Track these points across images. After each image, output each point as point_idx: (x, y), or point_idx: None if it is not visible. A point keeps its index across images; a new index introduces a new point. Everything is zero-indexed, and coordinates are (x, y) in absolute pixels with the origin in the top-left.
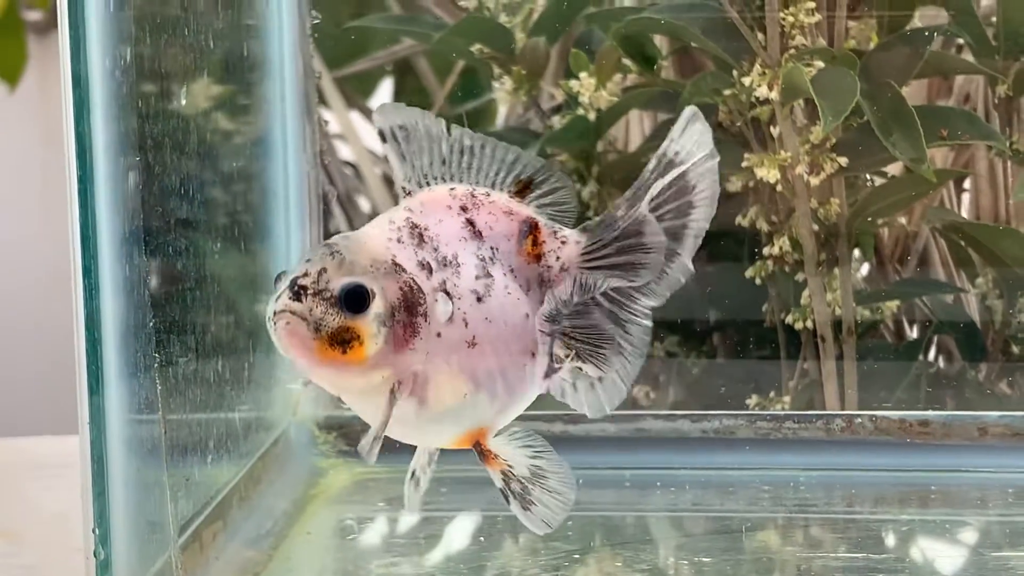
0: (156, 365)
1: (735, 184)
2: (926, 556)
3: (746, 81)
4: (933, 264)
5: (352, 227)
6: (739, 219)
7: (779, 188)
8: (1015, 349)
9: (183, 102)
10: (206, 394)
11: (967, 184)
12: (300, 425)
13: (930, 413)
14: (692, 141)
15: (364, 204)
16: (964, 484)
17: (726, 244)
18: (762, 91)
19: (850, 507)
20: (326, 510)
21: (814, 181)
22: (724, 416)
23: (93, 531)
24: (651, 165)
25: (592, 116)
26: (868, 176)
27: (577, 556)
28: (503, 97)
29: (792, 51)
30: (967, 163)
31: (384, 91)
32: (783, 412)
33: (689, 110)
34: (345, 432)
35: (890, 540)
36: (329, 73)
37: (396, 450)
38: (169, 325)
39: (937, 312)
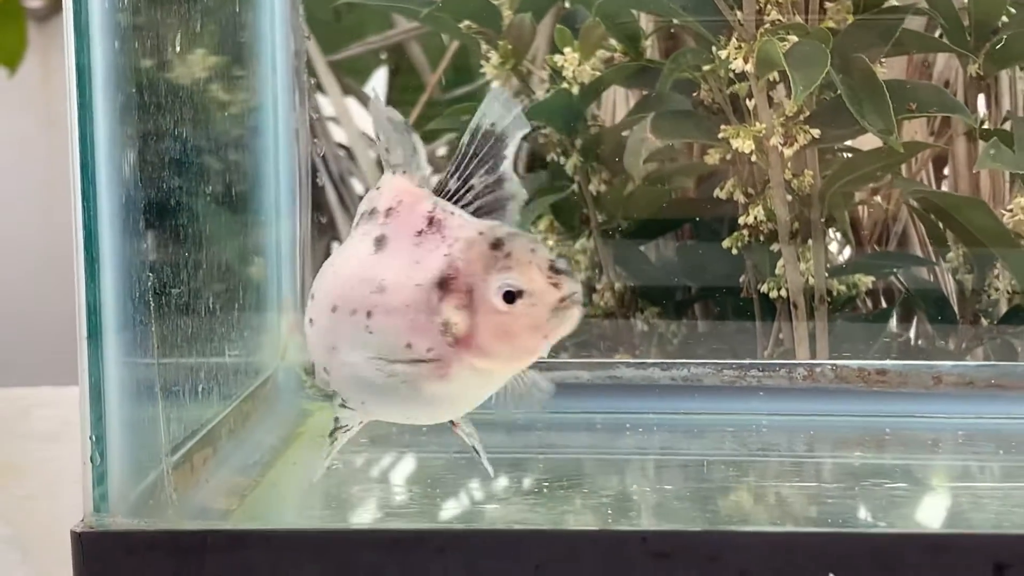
0: (152, 303)
1: (713, 157)
2: (875, 489)
3: (722, 55)
4: (912, 245)
5: (345, 207)
6: (717, 191)
7: (754, 159)
8: (984, 322)
9: (178, 72)
10: (198, 339)
11: (947, 171)
12: (288, 370)
13: (888, 363)
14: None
15: (357, 186)
16: (918, 429)
17: (706, 216)
18: (737, 64)
19: (810, 449)
20: (312, 445)
21: (788, 152)
22: (692, 364)
23: (91, 438)
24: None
25: (575, 90)
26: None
27: (546, 487)
28: (490, 71)
29: (768, 26)
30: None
31: (379, 77)
32: (748, 361)
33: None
34: None
35: (844, 476)
36: (323, 57)
37: None
38: (165, 278)
39: (912, 286)
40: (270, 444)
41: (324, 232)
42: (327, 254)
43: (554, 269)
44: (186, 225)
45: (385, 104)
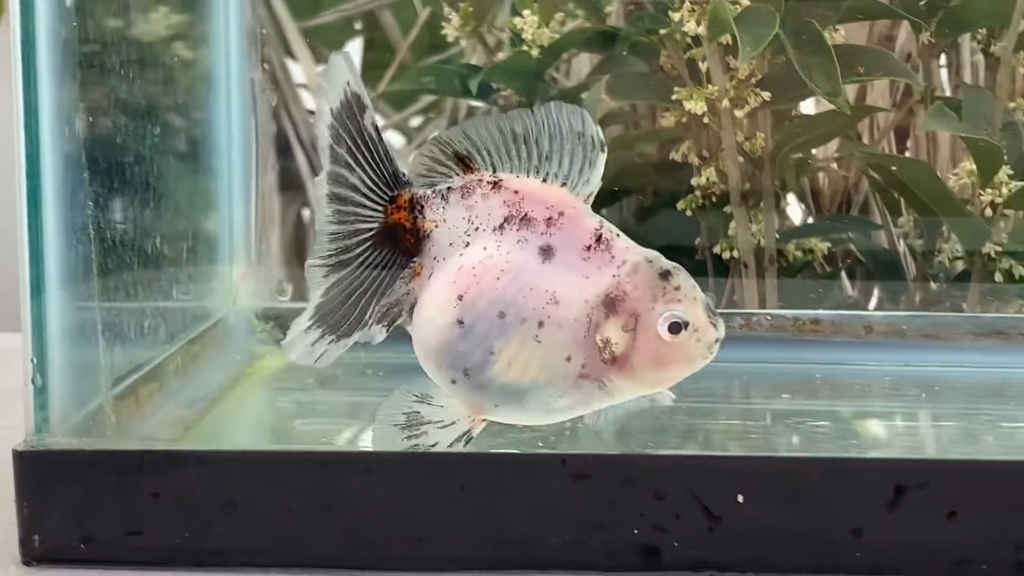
0: (94, 245)
1: (669, 120)
2: (797, 427)
3: (676, 17)
4: (874, 214)
5: (315, 173)
6: (673, 154)
7: (706, 120)
8: (934, 286)
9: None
10: (144, 282)
11: (908, 143)
12: (239, 314)
13: (821, 312)
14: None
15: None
16: (849, 375)
17: (665, 179)
18: (691, 26)
19: (744, 395)
20: (259, 385)
21: (739, 114)
22: None
23: (32, 360)
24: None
25: (535, 52)
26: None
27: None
28: (452, 33)
29: None
30: (908, 118)
31: (354, 45)
32: None
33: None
34: (282, 322)
35: (770, 416)
36: (295, 23)
37: None
38: (109, 222)
39: (864, 252)
40: (218, 383)
41: (294, 198)
42: (298, 220)
43: (710, 308)
44: (132, 171)
45: (359, 73)
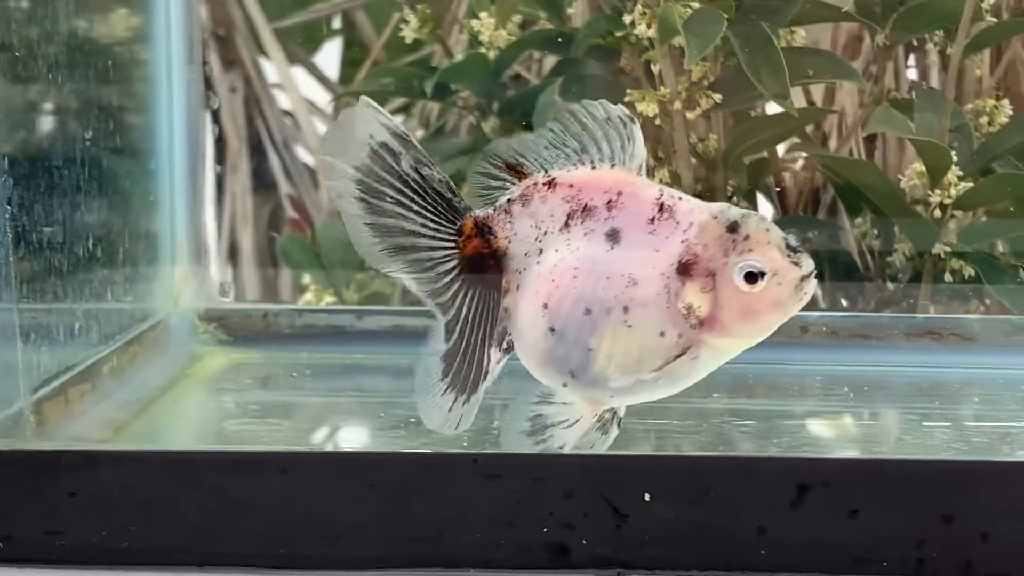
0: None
1: None
2: (722, 426)
3: (627, 20)
4: (841, 213)
5: (288, 174)
6: None
7: (658, 122)
8: (890, 286)
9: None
10: (74, 282)
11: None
12: (181, 315)
13: None
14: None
15: (302, 153)
16: (784, 375)
17: None
18: (641, 29)
19: (679, 396)
20: (197, 387)
21: (691, 116)
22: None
23: None
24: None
25: (492, 54)
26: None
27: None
28: (409, 35)
29: None
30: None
31: (330, 47)
32: None
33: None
34: (224, 323)
35: (696, 416)
36: (268, 24)
37: (274, 338)
38: (32, 222)
39: (823, 252)
40: (155, 384)
41: (268, 199)
42: (272, 219)
43: (789, 247)
44: (60, 174)
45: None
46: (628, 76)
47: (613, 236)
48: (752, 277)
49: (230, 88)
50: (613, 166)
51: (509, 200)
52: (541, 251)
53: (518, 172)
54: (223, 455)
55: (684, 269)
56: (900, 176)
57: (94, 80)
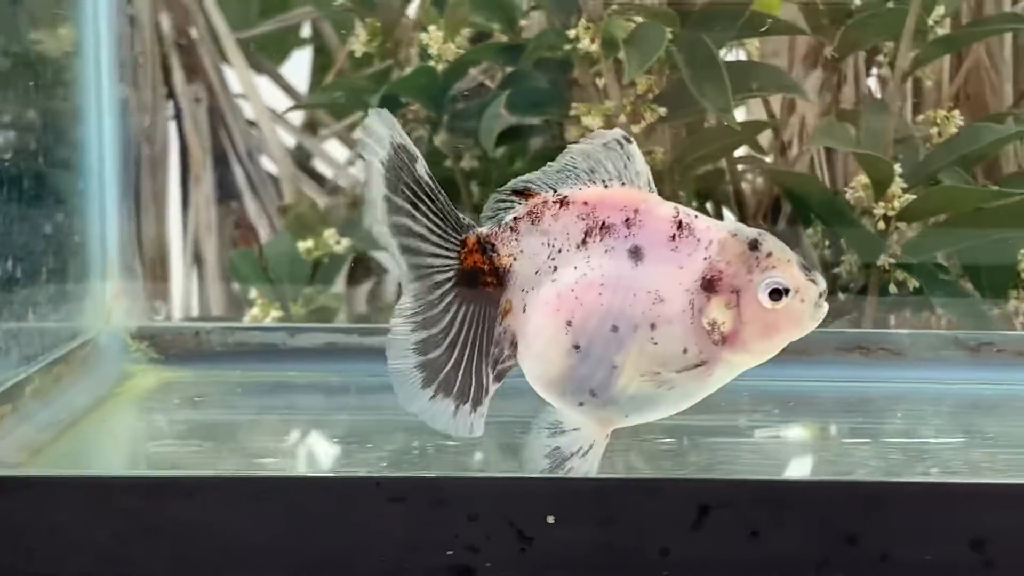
0: None
1: (573, 134)
2: (641, 444)
3: (571, 34)
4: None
5: (251, 183)
6: None
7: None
8: (841, 297)
9: None
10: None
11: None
12: (112, 334)
13: None
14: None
15: (266, 163)
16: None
17: None
18: (585, 44)
19: None
20: (124, 406)
21: (636, 129)
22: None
23: None
24: None
25: (440, 67)
26: None
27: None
28: (359, 48)
29: (616, 7)
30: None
31: (299, 57)
32: None
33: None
34: (156, 341)
35: (619, 435)
36: (232, 33)
37: (206, 356)
38: None
39: None
40: (82, 404)
41: (231, 210)
42: (235, 230)
43: (804, 267)
44: None
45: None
46: (581, 89)
47: (636, 253)
48: (776, 294)
49: (194, 98)
50: (623, 184)
51: (515, 218)
52: (555, 268)
53: (525, 194)
54: (132, 480)
55: (709, 285)
56: (846, 188)
57: (16, 97)
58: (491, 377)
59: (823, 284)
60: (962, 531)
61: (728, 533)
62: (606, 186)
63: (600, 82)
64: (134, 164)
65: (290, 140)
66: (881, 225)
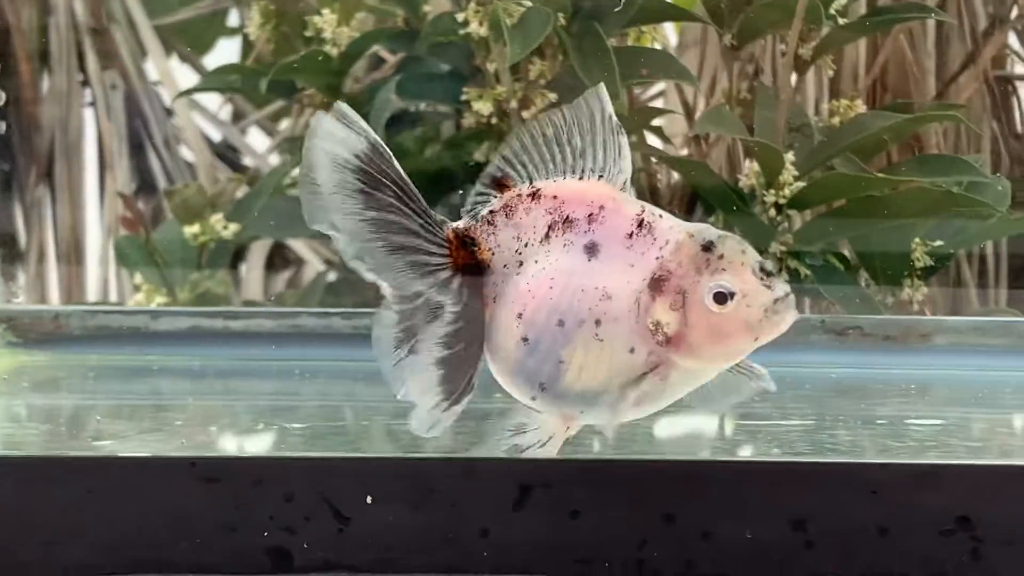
0: None
1: (469, 119)
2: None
3: (460, 18)
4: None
5: (167, 172)
6: (476, 155)
7: (494, 121)
8: None
9: None
10: None
11: None
12: None
13: None
14: None
15: (185, 152)
16: None
17: (466, 181)
18: (474, 28)
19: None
20: None
21: (526, 115)
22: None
23: None
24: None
25: (335, 52)
26: None
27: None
28: (253, 31)
29: None
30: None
31: (225, 46)
32: None
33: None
34: (13, 324)
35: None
36: (149, 20)
37: (65, 339)
38: None
39: None
40: None
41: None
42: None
43: (764, 271)
44: None
45: None
46: (482, 74)
47: (591, 249)
48: (721, 297)
49: (110, 85)
50: (600, 178)
51: (491, 211)
52: (521, 263)
53: (502, 186)
54: None
55: (655, 285)
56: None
57: None
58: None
59: (781, 290)
60: (782, 511)
61: (549, 513)
62: (582, 178)
63: (491, 67)
64: None
65: (209, 128)
66: (772, 213)
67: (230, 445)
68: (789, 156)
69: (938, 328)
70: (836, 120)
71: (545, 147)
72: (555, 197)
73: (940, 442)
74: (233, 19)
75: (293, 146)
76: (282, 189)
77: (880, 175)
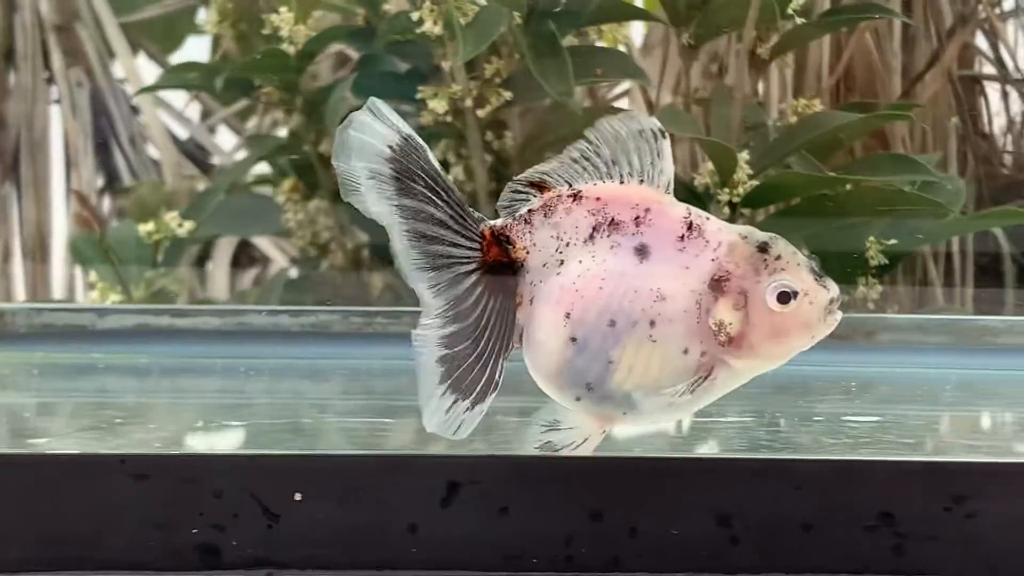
0: None
1: (427, 117)
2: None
3: (415, 16)
4: None
5: (132, 169)
6: (437, 153)
7: (449, 119)
8: None
9: None
10: None
11: None
12: None
13: None
14: None
15: (151, 149)
16: None
17: None
18: (428, 26)
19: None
20: None
21: (481, 113)
22: (320, 312)
23: None
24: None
25: (292, 50)
26: None
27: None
28: (210, 28)
29: None
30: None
31: (194, 44)
32: (374, 308)
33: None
34: None
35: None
36: (115, 18)
37: (10, 337)
38: None
39: None
40: None
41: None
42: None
43: (814, 271)
44: None
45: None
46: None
47: (642, 251)
48: (785, 297)
49: (75, 83)
50: (641, 182)
51: (530, 211)
52: (562, 262)
53: (542, 188)
54: None
55: (717, 286)
56: (694, 175)
57: None
58: (502, 370)
59: (835, 290)
60: (708, 507)
61: (477, 510)
62: (623, 182)
63: (445, 65)
64: None
65: (176, 126)
66: (726, 211)
67: (169, 442)
68: (743, 155)
69: (881, 325)
70: (795, 119)
71: (575, 164)
72: (598, 199)
73: (875, 439)
74: (202, 17)
75: (256, 143)
76: (240, 186)
77: (832, 175)
